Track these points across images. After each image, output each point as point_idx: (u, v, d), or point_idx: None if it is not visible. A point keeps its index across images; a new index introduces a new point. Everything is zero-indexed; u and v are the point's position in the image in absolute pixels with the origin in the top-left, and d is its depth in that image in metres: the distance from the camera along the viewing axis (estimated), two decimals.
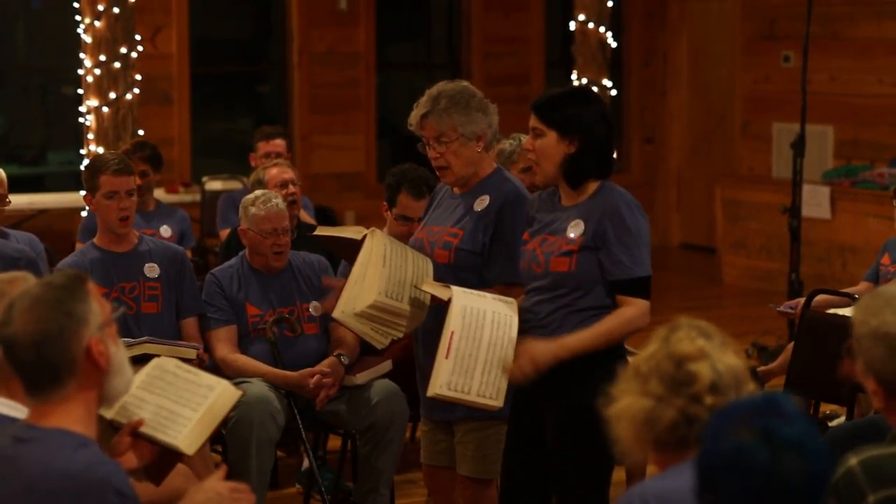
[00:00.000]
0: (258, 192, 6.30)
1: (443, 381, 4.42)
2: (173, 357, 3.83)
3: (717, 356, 2.72)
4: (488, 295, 4.60)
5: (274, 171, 7.18)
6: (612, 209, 4.47)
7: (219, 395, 3.54)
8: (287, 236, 6.15)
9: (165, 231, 7.74)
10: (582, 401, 4.45)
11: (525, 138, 6.42)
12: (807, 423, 2.37)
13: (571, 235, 4.49)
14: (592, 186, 4.56)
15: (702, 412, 2.68)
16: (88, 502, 2.97)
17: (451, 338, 4.44)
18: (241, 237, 6.24)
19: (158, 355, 3.87)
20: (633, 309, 4.45)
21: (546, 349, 4.41)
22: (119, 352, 3.13)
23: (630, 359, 2.84)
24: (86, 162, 9.23)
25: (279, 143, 8.71)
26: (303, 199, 8.74)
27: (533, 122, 4.60)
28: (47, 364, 3.02)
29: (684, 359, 2.71)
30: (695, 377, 2.70)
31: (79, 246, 6.98)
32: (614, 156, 4.67)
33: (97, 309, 3.08)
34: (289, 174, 7.16)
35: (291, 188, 7.00)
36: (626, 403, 2.75)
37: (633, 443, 2.75)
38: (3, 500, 3.04)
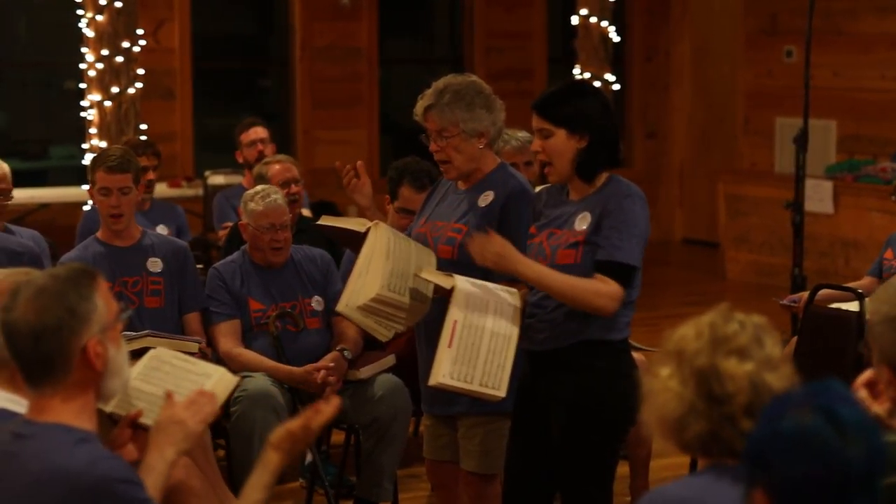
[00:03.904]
0: (259, 188, 6.31)
1: (445, 370, 4.41)
2: (176, 350, 3.83)
3: (762, 378, 2.63)
4: (491, 284, 4.59)
5: (277, 167, 7.17)
6: (616, 198, 4.47)
7: (216, 382, 3.53)
8: (286, 232, 6.15)
9: (162, 230, 7.70)
10: (586, 394, 4.46)
11: (512, 134, 6.44)
12: (860, 406, 2.36)
13: (578, 228, 4.48)
14: (601, 179, 4.56)
15: (732, 435, 2.63)
16: (94, 499, 2.96)
17: (453, 327, 4.43)
18: (241, 232, 6.25)
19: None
20: (604, 285, 4.38)
21: (509, 252, 4.38)
22: (119, 354, 3.11)
23: (678, 332, 2.73)
24: (90, 156, 9.25)
25: (259, 130, 8.63)
26: None
27: (538, 122, 4.56)
28: (42, 357, 3.02)
29: (727, 378, 2.62)
30: (733, 399, 2.63)
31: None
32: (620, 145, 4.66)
33: (102, 307, 3.07)
34: (291, 173, 7.15)
35: (294, 188, 6.99)
36: (660, 398, 2.69)
37: (657, 433, 2.71)
38: (6, 496, 3.04)
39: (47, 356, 3.02)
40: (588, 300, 4.38)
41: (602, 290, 4.37)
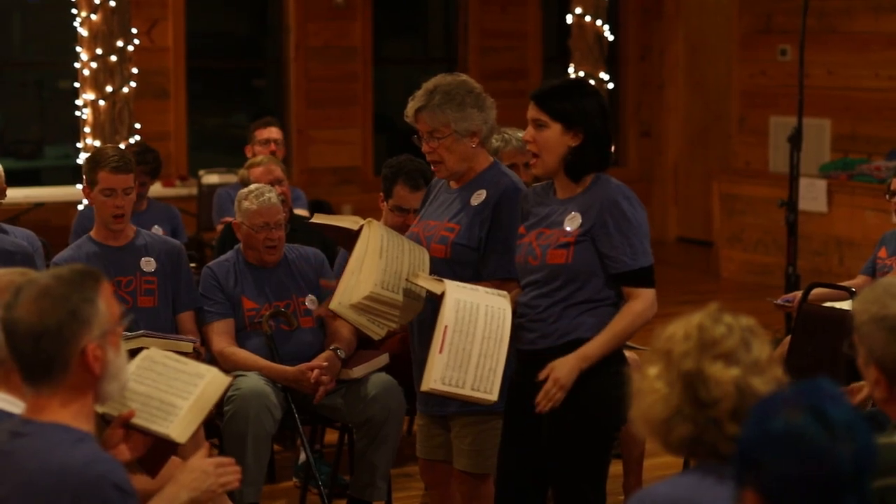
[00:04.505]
0: (252, 187, 6.32)
1: (437, 375, 4.41)
2: (169, 350, 3.83)
3: (748, 382, 2.63)
4: (481, 288, 4.59)
5: (259, 170, 7.20)
6: (611, 202, 4.45)
7: (208, 382, 3.53)
8: (280, 231, 6.15)
9: (157, 231, 7.70)
10: (578, 394, 4.46)
11: (512, 134, 6.43)
12: (851, 405, 2.36)
13: (568, 228, 4.47)
14: (588, 179, 4.55)
15: (718, 438, 2.63)
16: (87, 499, 2.96)
17: (444, 332, 4.43)
18: (235, 231, 6.25)
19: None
20: (640, 302, 4.44)
21: (567, 364, 4.40)
22: (118, 358, 3.11)
23: (667, 330, 2.73)
24: (84, 155, 9.24)
25: (275, 131, 8.76)
26: (297, 191, 8.77)
27: (534, 113, 4.54)
28: (41, 357, 3.02)
29: (714, 383, 2.63)
30: (718, 402, 2.63)
31: None
32: (612, 148, 4.65)
33: (104, 311, 3.06)
34: (273, 174, 7.16)
35: (278, 188, 6.98)
36: (647, 399, 2.69)
37: (644, 432, 2.72)
38: (2, 494, 3.03)
39: (46, 357, 3.02)
40: (639, 324, 4.45)
41: (640, 308, 4.44)
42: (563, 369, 4.38)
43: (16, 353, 3.06)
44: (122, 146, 8.68)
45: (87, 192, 6.15)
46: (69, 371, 3.03)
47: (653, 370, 2.70)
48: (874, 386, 3.10)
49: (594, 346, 4.41)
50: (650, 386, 2.69)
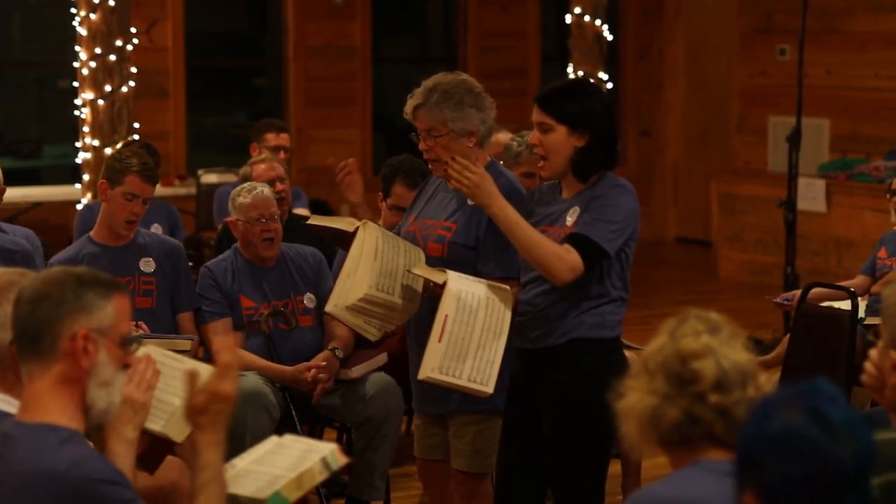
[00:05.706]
0: (245, 184, 6.33)
1: (434, 364, 4.41)
2: (168, 349, 3.82)
3: (723, 352, 2.68)
4: (483, 280, 4.59)
5: (262, 167, 7.20)
6: (601, 188, 4.48)
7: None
8: (276, 223, 6.14)
9: (156, 229, 7.69)
10: (578, 392, 4.46)
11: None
12: (849, 405, 2.37)
13: (569, 221, 4.48)
14: (594, 178, 4.55)
15: (706, 412, 2.65)
16: (78, 501, 2.96)
17: (444, 321, 4.42)
18: (231, 229, 6.24)
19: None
20: (567, 253, 4.36)
21: (492, 190, 4.40)
22: (111, 369, 3.09)
23: (637, 353, 2.82)
24: (83, 154, 9.24)
25: (286, 138, 8.73)
26: (297, 189, 8.76)
27: (539, 116, 4.54)
28: (34, 325, 3.05)
29: (689, 356, 2.67)
30: (699, 375, 2.67)
31: None
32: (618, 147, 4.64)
33: (110, 314, 3.08)
34: (276, 171, 7.16)
35: (279, 185, 6.98)
36: (632, 401, 2.72)
37: (639, 440, 2.73)
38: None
39: (39, 326, 3.04)
40: (546, 260, 4.37)
41: (563, 256, 4.36)
42: (488, 182, 4.40)
43: (16, 319, 3.09)
44: (119, 145, 8.67)
45: (102, 188, 6.08)
46: (57, 351, 3.04)
47: (633, 382, 2.76)
48: (891, 372, 3.08)
49: (506, 207, 4.39)
50: (634, 390, 2.73)
